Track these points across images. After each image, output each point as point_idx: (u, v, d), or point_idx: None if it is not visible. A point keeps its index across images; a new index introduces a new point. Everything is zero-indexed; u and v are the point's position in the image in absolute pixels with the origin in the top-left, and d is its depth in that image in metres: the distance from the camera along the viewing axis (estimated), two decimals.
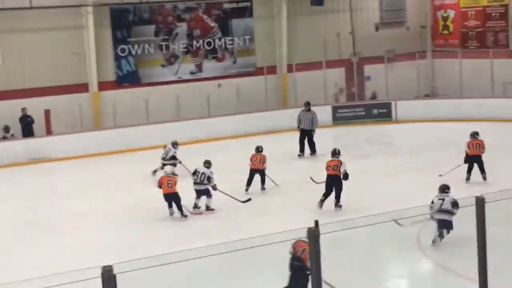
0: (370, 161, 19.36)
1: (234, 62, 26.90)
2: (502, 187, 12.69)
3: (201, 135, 23.68)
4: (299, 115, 21.03)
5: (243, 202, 15.28)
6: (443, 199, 11.97)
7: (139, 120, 24.01)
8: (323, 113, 25.00)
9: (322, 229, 5.74)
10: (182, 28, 25.93)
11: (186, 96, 25.23)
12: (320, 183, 14.90)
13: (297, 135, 20.69)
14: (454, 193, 12.07)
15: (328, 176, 14.57)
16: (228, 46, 26.74)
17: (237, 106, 25.57)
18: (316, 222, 5.90)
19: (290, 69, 27.11)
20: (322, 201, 14.49)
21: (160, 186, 14.66)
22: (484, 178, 16.04)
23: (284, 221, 13.48)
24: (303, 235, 5.63)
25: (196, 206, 15.00)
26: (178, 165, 17.65)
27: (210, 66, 26.50)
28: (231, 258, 6.88)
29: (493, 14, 27.26)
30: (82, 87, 24.24)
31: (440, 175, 16.11)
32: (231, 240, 9.16)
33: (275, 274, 9.27)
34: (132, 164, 20.67)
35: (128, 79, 25.25)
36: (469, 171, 16.15)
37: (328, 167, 14.64)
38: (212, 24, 26.44)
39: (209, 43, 26.40)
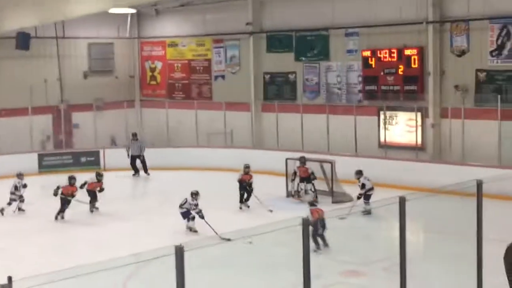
0: (79, 209, 18.96)
1: None
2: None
3: None
4: (127, 144, 24.72)
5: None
6: None
7: None
8: (28, 161, 24.17)
9: (19, 285, 5.52)
10: None
11: None
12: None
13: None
14: None
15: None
16: None
17: None
18: (9, 278, 5.62)
19: None
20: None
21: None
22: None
23: None
24: None
25: None
26: None
27: None
28: None
29: (198, 68, 28.69)
30: None
31: (270, 210, 17.96)
32: None
33: None
34: None
35: None
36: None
37: None
38: None
39: None
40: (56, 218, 17.81)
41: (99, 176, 19.14)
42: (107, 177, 20.01)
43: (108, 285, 11.23)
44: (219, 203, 18.53)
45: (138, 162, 24.36)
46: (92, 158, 25.16)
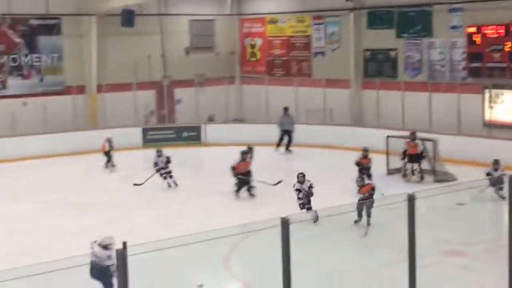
0: (181, 184, 19.41)
1: (41, 80, 26.02)
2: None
3: (5, 154, 22.62)
4: (280, 119, 24.57)
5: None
6: None
7: None
8: (133, 135, 24.96)
9: (131, 250, 5.74)
10: None
11: None
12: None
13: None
14: None
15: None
16: (34, 64, 25.82)
17: (45, 125, 24.76)
18: (124, 244, 5.84)
19: (100, 89, 26.72)
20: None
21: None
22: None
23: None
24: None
25: None
26: None
27: (15, 84, 25.45)
28: None
29: (297, 44, 28.65)
30: None
31: (382, 194, 15.51)
32: None
33: None
34: None
35: None
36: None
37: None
38: (18, 40, 25.43)
39: (14, 60, 25.37)
40: (236, 195, 17.47)
41: (246, 153, 18.06)
42: (208, 153, 20.34)
43: (213, 256, 11.56)
44: (326, 182, 17.76)
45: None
46: (194, 133, 25.70)
